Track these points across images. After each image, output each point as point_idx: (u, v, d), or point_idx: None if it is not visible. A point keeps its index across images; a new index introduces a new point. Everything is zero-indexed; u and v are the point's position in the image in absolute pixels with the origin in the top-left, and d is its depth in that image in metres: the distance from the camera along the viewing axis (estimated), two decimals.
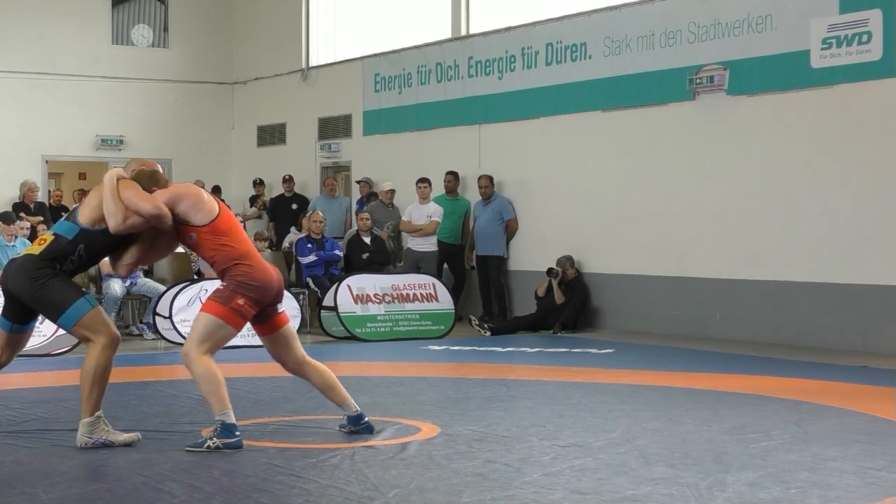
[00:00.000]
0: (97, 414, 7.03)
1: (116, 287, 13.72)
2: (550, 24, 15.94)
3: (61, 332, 12.29)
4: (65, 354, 12.39)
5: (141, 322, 14.28)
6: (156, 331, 13.21)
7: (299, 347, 7.34)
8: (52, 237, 7.07)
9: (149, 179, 7.12)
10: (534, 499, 5.70)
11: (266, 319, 7.17)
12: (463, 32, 17.48)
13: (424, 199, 16.30)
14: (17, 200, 17.59)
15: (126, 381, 9.67)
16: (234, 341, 12.79)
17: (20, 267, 7.02)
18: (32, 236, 15.24)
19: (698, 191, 14.15)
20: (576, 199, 15.58)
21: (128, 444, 7.00)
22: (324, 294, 14.30)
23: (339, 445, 7.03)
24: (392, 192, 16.98)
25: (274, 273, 7.07)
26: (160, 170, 7.35)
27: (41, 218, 16.51)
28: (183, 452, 6.81)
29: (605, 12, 15.19)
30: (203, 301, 7.01)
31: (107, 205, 6.90)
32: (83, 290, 7.24)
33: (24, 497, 5.75)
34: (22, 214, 15.77)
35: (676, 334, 14.04)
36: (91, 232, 7.02)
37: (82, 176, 25.31)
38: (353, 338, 13.73)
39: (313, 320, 14.56)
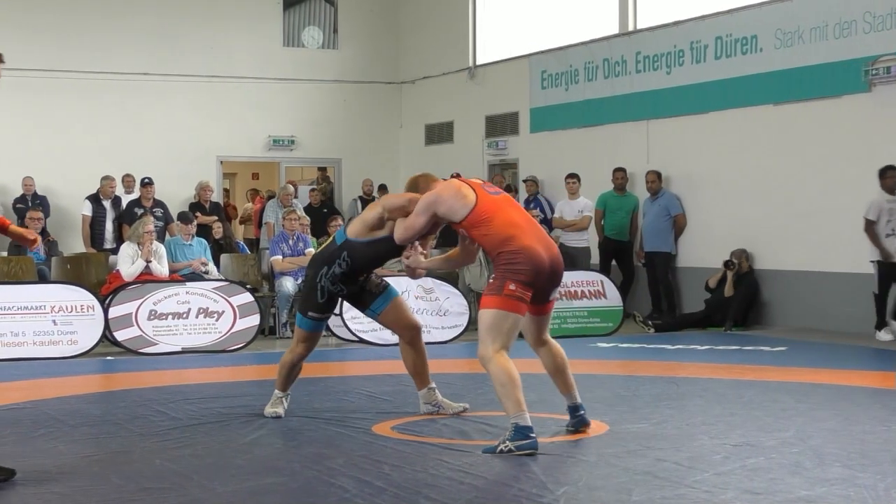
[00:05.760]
0: (276, 392, 8.11)
1: (289, 285, 13.97)
2: (720, 18, 15.71)
3: (236, 329, 12.72)
4: (240, 350, 12.68)
5: None
6: (327, 328, 13.41)
7: (547, 330, 7.40)
8: (330, 240, 7.92)
9: (412, 187, 7.53)
10: (705, 498, 5.62)
11: (542, 302, 7.18)
12: (630, 27, 17.34)
13: (573, 194, 16.43)
14: (193, 200, 18.05)
15: (298, 378, 9.83)
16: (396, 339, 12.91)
17: (310, 261, 8.06)
18: (205, 235, 15.61)
19: (873, 185, 13.76)
20: (746, 195, 15.33)
21: (277, 417, 7.95)
22: None
23: None
24: None
25: (544, 253, 6.96)
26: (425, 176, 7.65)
27: (216, 217, 16.88)
28: (354, 447, 6.90)
29: (777, 3, 14.89)
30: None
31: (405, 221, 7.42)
32: (325, 309, 7.90)
33: (200, 489, 5.89)
34: (198, 214, 16.16)
35: (852, 332, 13.68)
36: (353, 242, 7.67)
37: (255, 176, 25.85)
38: (520, 335, 13.70)
39: None
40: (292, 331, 14.14)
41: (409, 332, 8.08)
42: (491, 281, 6.98)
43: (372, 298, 8.03)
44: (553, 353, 7.35)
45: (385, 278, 8.51)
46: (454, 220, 7.12)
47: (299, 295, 13.79)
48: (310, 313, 7.88)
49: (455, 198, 7.10)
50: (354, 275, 7.82)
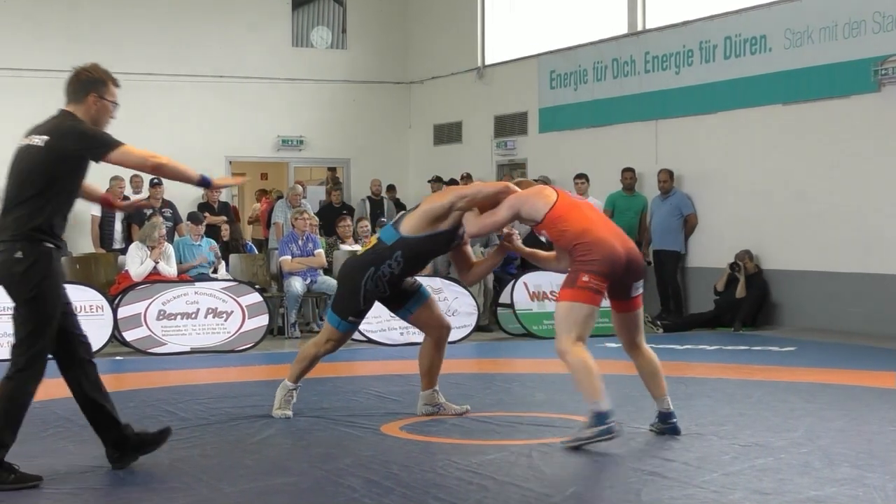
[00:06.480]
0: (286, 384, 8.06)
1: (297, 285, 13.98)
2: (729, 17, 15.69)
3: (245, 329, 12.73)
4: (248, 351, 12.69)
5: (321, 319, 14.50)
6: None
7: (640, 332, 7.44)
8: (376, 241, 7.72)
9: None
10: (713, 498, 5.62)
11: (624, 297, 7.23)
12: (639, 27, 17.32)
13: (582, 194, 16.35)
14: (201, 201, 18.05)
15: (307, 377, 9.83)
16: (409, 339, 12.96)
17: (347, 263, 8.03)
18: (214, 235, 15.63)
19: (883, 185, 13.75)
20: (755, 195, 15.30)
21: (286, 417, 7.89)
22: (500, 291, 14.33)
23: (515, 442, 7.04)
24: None
25: (619, 245, 7.02)
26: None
27: (224, 218, 16.89)
28: (363, 447, 6.91)
29: (786, 3, 14.87)
30: None
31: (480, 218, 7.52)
32: (360, 310, 7.75)
33: (209, 489, 5.90)
34: (206, 214, 16.16)
35: (861, 332, 13.66)
36: (409, 239, 7.52)
37: (264, 176, 25.80)
38: (529, 335, 13.74)
39: (489, 317, 14.59)
40: (301, 331, 14.23)
41: (439, 332, 8.02)
42: (567, 275, 7.08)
43: (406, 298, 7.96)
44: (647, 360, 7.40)
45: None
46: (536, 219, 7.25)
47: (330, 296, 13.82)
48: (350, 318, 7.78)
49: (537, 196, 7.31)
50: (404, 276, 7.71)
